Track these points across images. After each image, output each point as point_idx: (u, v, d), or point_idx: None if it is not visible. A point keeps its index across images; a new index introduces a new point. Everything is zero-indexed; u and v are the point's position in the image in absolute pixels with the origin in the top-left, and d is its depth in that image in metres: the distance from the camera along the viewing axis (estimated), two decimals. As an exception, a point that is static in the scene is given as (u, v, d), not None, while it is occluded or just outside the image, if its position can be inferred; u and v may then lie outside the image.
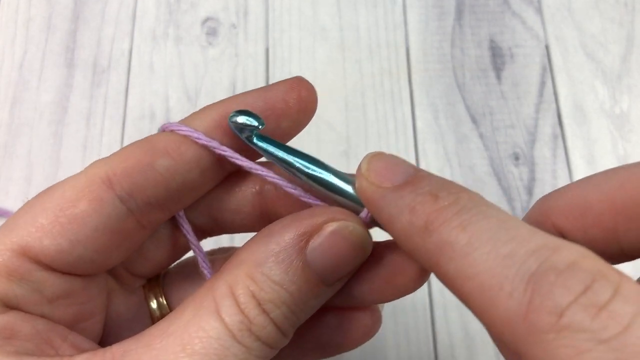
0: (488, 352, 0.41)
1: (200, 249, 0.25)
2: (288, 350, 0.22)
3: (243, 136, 0.23)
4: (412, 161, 0.46)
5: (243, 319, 0.20)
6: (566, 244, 0.16)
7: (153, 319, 0.27)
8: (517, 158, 0.47)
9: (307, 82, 0.24)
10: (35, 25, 0.52)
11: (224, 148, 0.23)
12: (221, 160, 0.23)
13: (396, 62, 0.50)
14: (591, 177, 0.20)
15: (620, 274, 0.15)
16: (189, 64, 0.50)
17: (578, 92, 0.49)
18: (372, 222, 0.22)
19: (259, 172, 0.23)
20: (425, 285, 0.27)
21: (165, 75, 0.50)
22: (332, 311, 0.25)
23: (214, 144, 0.23)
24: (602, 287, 0.15)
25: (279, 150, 0.23)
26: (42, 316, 0.22)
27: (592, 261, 0.16)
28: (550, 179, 0.46)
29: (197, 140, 0.23)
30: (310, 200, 0.23)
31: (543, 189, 0.46)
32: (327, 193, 0.23)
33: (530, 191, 0.46)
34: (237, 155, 0.23)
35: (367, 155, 0.21)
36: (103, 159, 0.23)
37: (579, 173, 0.46)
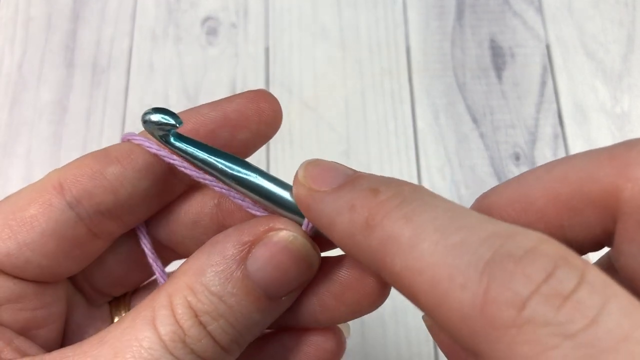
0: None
1: (157, 262, 0.25)
2: None
3: (157, 135, 0.22)
4: (412, 161, 0.46)
5: (177, 330, 0.19)
6: (522, 229, 0.15)
7: None
8: (517, 158, 0.47)
9: (269, 94, 0.24)
10: (35, 25, 0.52)
11: (173, 157, 0.22)
12: (179, 172, 0.23)
13: (396, 61, 0.50)
14: (532, 171, 0.19)
15: (583, 260, 0.14)
16: (189, 64, 0.50)
17: (579, 91, 0.49)
18: (316, 233, 0.21)
19: (207, 182, 0.22)
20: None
21: (165, 75, 0.50)
22: (287, 332, 0.24)
23: (163, 152, 0.22)
24: (565, 275, 0.13)
25: (199, 151, 0.22)
26: None
27: (553, 246, 0.14)
28: (551, 179, 0.46)
29: (148, 149, 0.22)
30: (257, 213, 0.22)
31: (543, 189, 0.45)
32: (259, 199, 0.22)
33: (530, 191, 0.45)
34: (185, 164, 0.22)
35: (303, 163, 0.20)
36: (61, 167, 0.23)
37: (580, 173, 0.46)
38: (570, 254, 0.14)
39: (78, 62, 0.50)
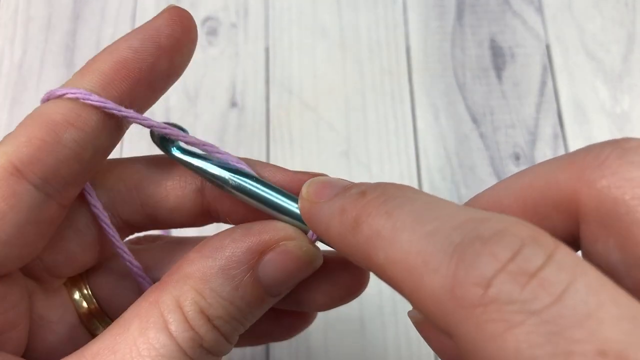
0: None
1: (117, 238, 0.24)
2: None
3: (167, 149, 0.22)
4: (412, 161, 0.46)
5: (194, 336, 0.20)
6: (497, 215, 0.15)
7: (80, 315, 0.25)
8: (517, 158, 0.47)
9: (181, 9, 0.23)
10: (35, 25, 0.52)
11: (127, 110, 0.21)
12: (125, 122, 0.22)
13: (396, 61, 0.50)
14: (505, 180, 0.20)
15: (555, 240, 0.14)
16: (189, 64, 0.50)
17: (579, 91, 0.49)
18: (319, 240, 0.23)
19: (161, 129, 0.22)
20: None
21: (165, 75, 0.50)
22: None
23: (110, 104, 0.21)
24: (532, 253, 0.13)
25: (209, 164, 0.23)
26: None
27: (523, 227, 0.14)
28: (551, 179, 0.46)
29: (93, 103, 0.20)
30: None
31: (544, 189, 0.45)
32: (267, 209, 0.23)
33: (530, 191, 0.45)
34: (139, 116, 0.22)
35: (307, 181, 0.22)
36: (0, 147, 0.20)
37: (580, 173, 0.46)
38: (541, 234, 0.14)
39: (78, 62, 0.50)
